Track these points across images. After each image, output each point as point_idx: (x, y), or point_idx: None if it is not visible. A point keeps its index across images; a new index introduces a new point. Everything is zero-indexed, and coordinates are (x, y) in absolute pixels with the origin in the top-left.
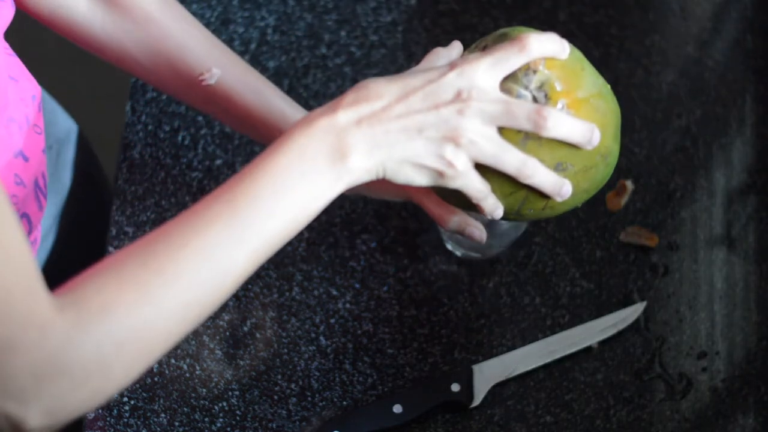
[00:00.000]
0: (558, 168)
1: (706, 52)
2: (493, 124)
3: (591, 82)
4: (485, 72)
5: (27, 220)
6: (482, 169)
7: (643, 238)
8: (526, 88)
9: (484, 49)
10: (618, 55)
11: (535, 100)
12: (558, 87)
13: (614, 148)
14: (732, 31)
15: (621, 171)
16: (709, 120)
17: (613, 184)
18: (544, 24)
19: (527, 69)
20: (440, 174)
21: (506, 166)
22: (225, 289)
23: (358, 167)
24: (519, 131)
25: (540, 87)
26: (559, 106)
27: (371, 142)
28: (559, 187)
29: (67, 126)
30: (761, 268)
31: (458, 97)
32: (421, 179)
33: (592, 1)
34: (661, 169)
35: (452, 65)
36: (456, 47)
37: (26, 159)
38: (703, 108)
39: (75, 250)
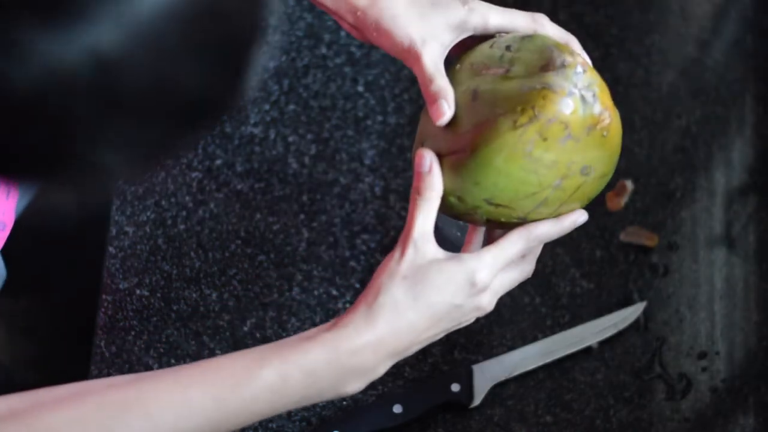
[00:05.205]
0: (583, 171)
1: (706, 52)
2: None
3: None
4: (507, 283)
5: None
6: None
7: (643, 238)
8: (576, 86)
9: (507, 48)
10: (618, 55)
11: (583, 99)
12: (599, 92)
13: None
14: (732, 31)
15: (621, 171)
16: (709, 120)
17: (613, 184)
18: None
19: (575, 66)
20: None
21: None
22: None
23: (357, 390)
24: (564, 129)
25: (588, 87)
26: (601, 110)
27: (387, 368)
28: (569, 225)
29: None
30: (761, 268)
31: (477, 310)
32: None
33: (592, 1)
34: (661, 169)
35: (475, 285)
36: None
37: None
38: (703, 108)
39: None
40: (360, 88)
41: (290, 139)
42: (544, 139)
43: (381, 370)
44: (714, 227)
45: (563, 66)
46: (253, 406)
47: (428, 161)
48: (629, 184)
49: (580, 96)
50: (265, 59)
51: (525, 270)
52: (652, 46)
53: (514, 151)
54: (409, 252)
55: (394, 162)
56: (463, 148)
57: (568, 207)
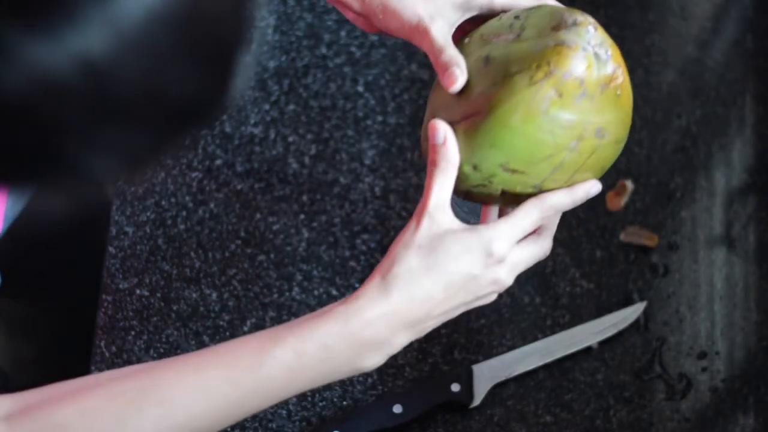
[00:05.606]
0: (598, 134)
1: (706, 52)
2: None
3: None
4: (526, 258)
5: None
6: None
7: (643, 238)
8: (589, 43)
9: (516, 18)
10: None
11: (596, 56)
12: (611, 50)
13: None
14: (732, 31)
15: (621, 171)
16: (709, 120)
17: (613, 184)
18: None
19: (587, 24)
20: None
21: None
22: None
23: (376, 365)
24: (578, 85)
25: (601, 44)
26: (614, 67)
27: (405, 342)
28: (583, 195)
29: None
30: (761, 268)
31: (495, 284)
32: None
33: (592, 1)
34: (661, 169)
35: (492, 255)
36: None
37: None
38: (703, 108)
39: None
40: (360, 88)
41: (290, 139)
42: (560, 96)
43: (397, 343)
44: (714, 227)
45: (575, 24)
46: (269, 385)
47: (442, 132)
48: (629, 184)
49: (594, 53)
50: (265, 59)
51: (543, 246)
52: (652, 46)
53: (530, 108)
54: (425, 222)
55: (394, 162)
56: (478, 111)
57: (582, 176)
